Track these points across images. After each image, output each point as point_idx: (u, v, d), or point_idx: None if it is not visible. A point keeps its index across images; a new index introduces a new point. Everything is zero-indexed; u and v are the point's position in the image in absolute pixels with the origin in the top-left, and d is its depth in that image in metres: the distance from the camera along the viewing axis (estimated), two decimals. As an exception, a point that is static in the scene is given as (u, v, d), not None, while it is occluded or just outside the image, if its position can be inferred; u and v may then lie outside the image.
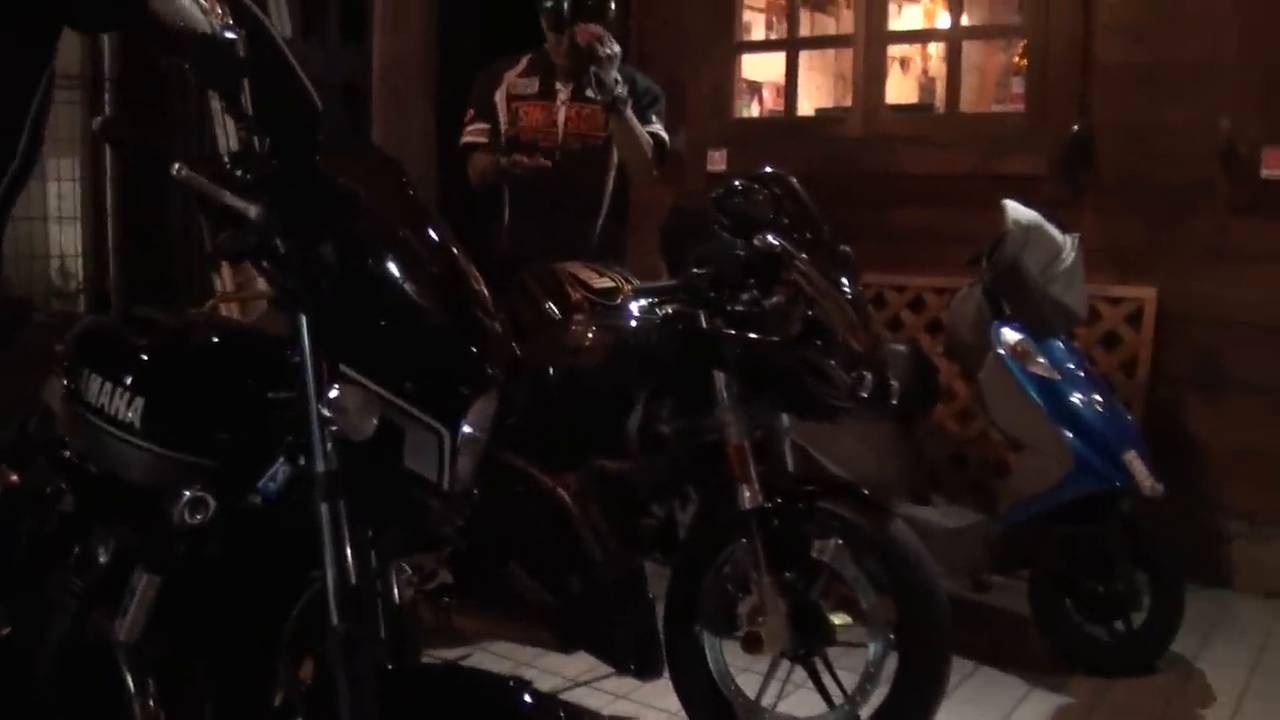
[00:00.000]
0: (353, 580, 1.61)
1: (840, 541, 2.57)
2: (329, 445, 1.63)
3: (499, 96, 3.76)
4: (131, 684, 1.79)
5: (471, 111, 3.79)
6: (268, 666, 1.79)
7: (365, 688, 1.56)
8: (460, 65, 4.17)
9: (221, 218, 1.69)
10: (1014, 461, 3.76)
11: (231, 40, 1.68)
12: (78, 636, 1.88)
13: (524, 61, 3.81)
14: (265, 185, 1.68)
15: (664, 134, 3.79)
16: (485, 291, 1.82)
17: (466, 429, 1.71)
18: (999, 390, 3.47)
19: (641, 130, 3.66)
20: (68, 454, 2.02)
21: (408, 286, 1.72)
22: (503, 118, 3.73)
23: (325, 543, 1.61)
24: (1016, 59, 5.29)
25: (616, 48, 3.56)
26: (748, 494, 2.59)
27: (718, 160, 4.96)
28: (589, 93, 3.69)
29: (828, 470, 3.61)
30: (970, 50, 6.70)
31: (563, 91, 3.73)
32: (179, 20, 1.65)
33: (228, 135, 4.39)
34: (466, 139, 3.79)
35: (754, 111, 5.92)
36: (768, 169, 2.89)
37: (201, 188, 1.61)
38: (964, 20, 4.91)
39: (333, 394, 1.59)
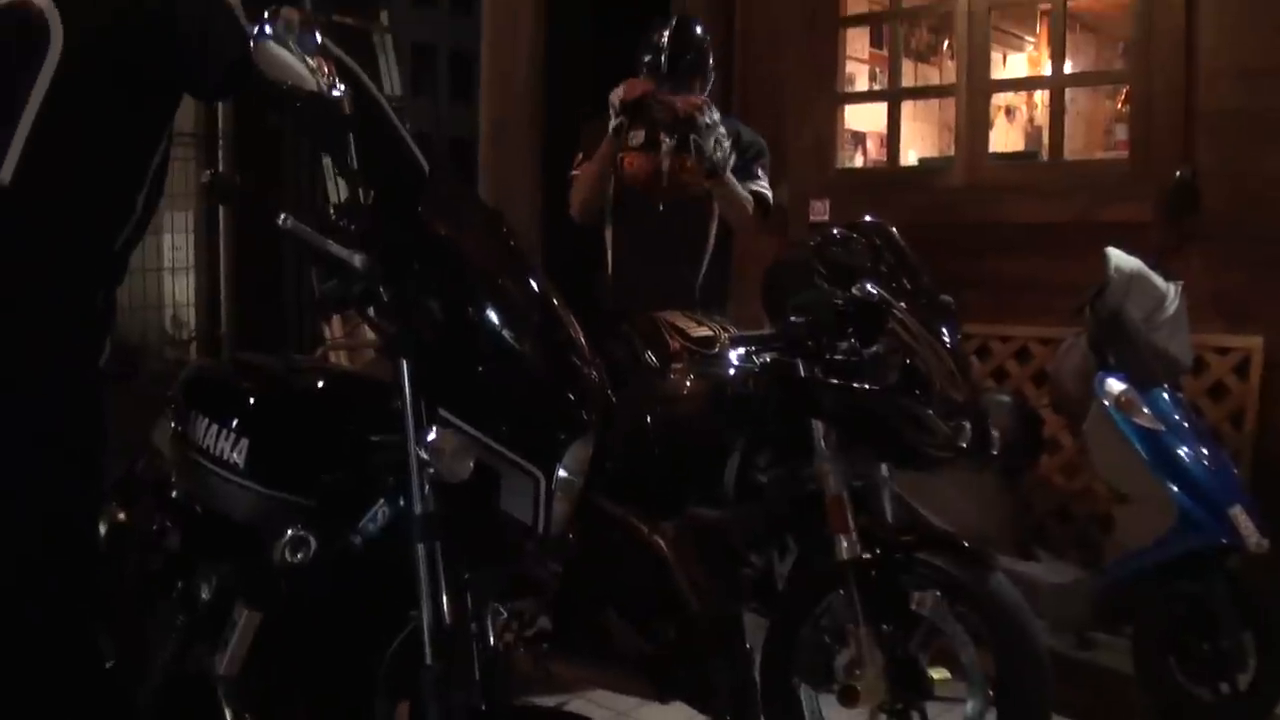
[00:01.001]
0: (447, 621, 1.64)
1: (939, 594, 2.53)
2: (427, 488, 1.66)
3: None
4: (230, 717, 1.84)
5: (580, 156, 3.83)
6: (363, 705, 1.83)
7: (459, 726, 1.58)
8: (568, 123, 4.22)
9: (327, 267, 1.75)
10: (1118, 515, 3.67)
11: (337, 99, 1.74)
12: (179, 670, 1.94)
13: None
14: (369, 235, 1.74)
15: (767, 189, 3.80)
16: (582, 339, 1.85)
17: (562, 473, 1.74)
18: (1103, 441, 3.39)
19: (742, 192, 3.68)
20: (174, 494, 2.09)
21: (505, 333, 1.76)
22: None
23: (421, 583, 1.64)
24: (1120, 105, 5.22)
25: (716, 115, 3.60)
26: (845, 544, 2.57)
27: (820, 210, 4.95)
28: (693, 145, 3.73)
29: (929, 522, 3.57)
30: (1076, 96, 6.68)
31: (667, 141, 3.76)
32: (286, 78, 1.71)
33: (339, 190, 4.53)
34: (575, 172, 3.81)
35: (858, 162, 5.92)
36: (867, 218, 2.89)
37: (307, 237, 1.67)
38: (1067, 68, 4.86)
39: (430, 437, 1.63)
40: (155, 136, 1.96)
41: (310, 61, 1.77)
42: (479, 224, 1.96)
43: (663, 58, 3.68)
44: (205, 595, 1.88)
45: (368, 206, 1.80)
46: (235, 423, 1.89)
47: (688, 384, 2.86)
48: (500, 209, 2.01)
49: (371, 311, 1.75)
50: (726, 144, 3.58)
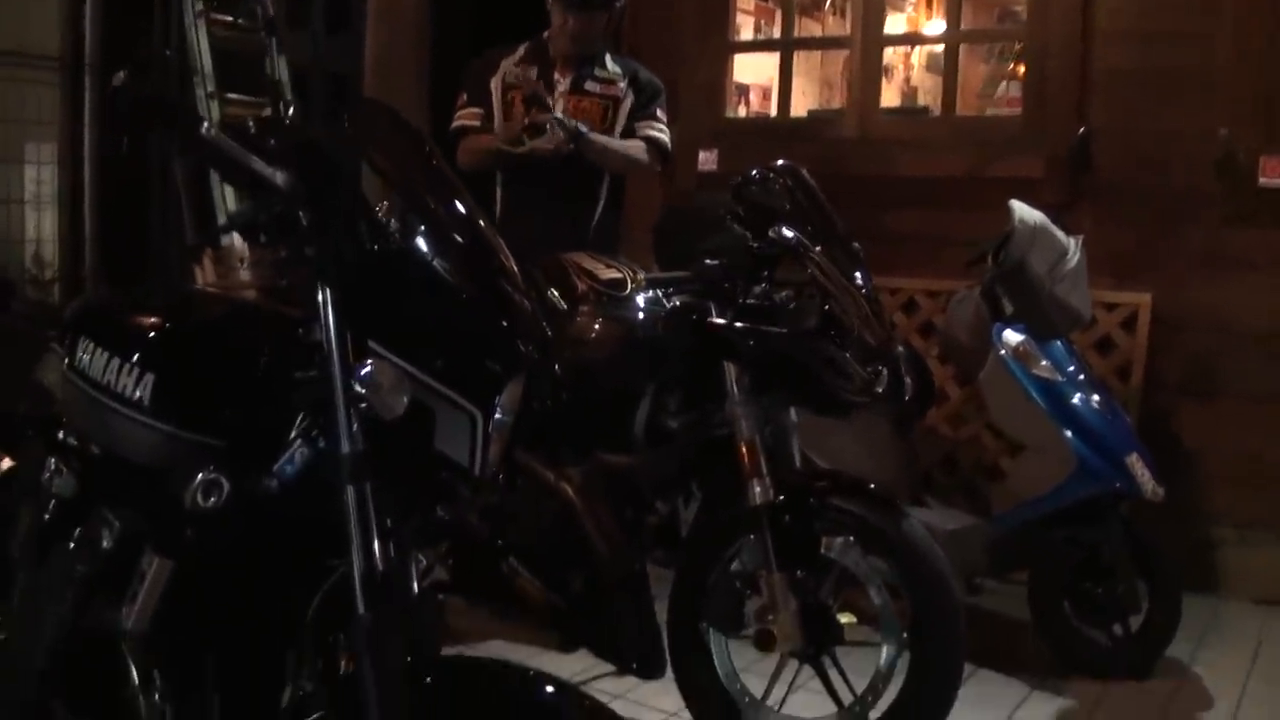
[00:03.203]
0: (379, 567, 1.54)
1: (852, 539, 2.52)
2: (355, 425, 1.56)
3: (494, 83, 3.68)
4: (137, 676, 1.71)
5: (465, 96, 3.72)
6: (277, 659, 1.72)
7: (393, 679, 1.49)
8: (453, 57, 4.09)
9: (245, 186, 1.62)
10: (1012, 463, 3.73)
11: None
12: (77, 625, 1.80)
13: (521, 50, 3.74)
14: (295, 153, 1.62)
15: (663, 131, 3.73)
16: (515, 267, 1.75)
17: (497, 413, 1.66)
18: (1000, 392, 3.44)
19: (620, 146, 3.63)
20: (65, 436, 1.93)
21: (436, 261, 1.65)
22: (497, 105, 3.66)
23: (351, 528, 1.54)
24: (1013, 65, 5.28)
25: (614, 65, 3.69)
26: (759, 489, 2.54)
27: (708, 160, 4.91)
28: (588, 85, 3.64)
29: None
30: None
31: (561, 83, 3.67)
32: None
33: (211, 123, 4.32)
34: (458, 123, 3.71)
35: (741, 113, 5.88)
36: (780, 161, 2.84)
37: (230, 150, 1.54)
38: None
39: (365, 370, 1.52)
40: None
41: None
42: (402, 143, 1.84)
43: None
44: (106, 543, 1.73)
45: (293, 123, 1.68)
46: (138, 356, 1.75)
47: (596, 326, 2.78)
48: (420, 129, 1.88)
49: (288, 236, 1.63)
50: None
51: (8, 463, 2.02)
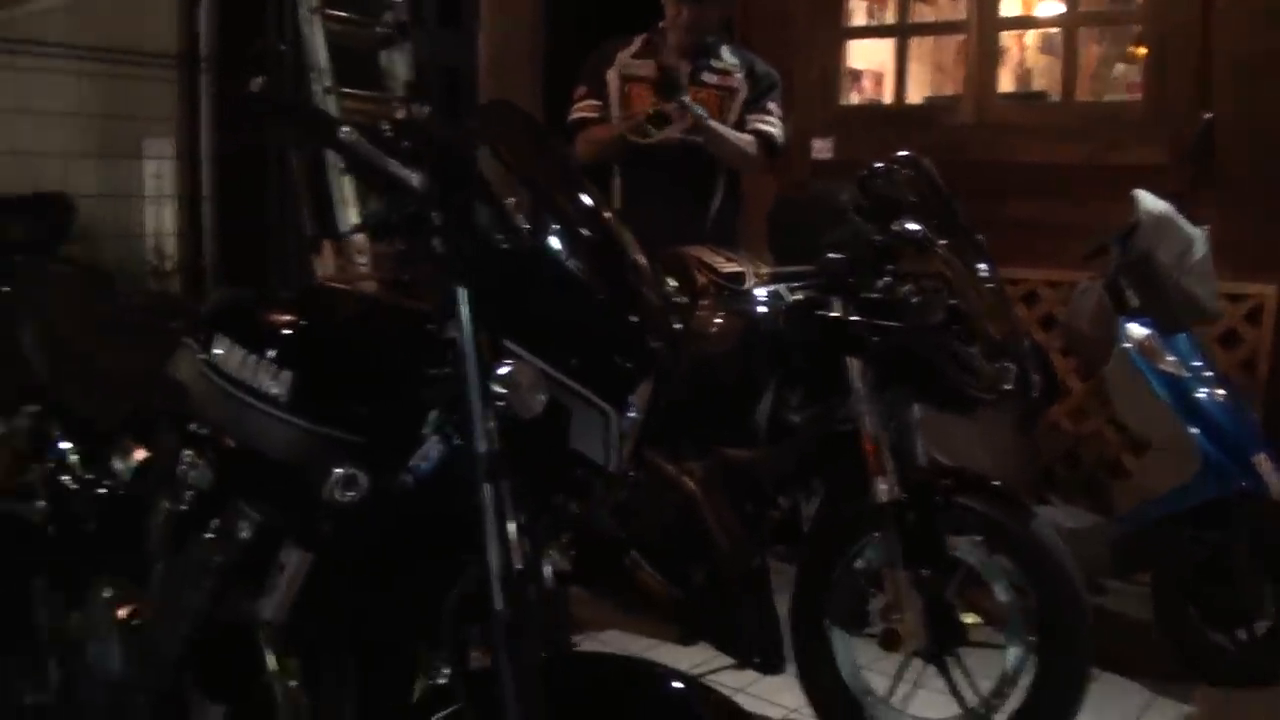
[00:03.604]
0: (516, 564, 1.55)
1: (979, 538, 2.48)
2: (492, 424, 1.57)
3: (611, 75, 3.68)
4: (275, 665, 1.75)
5: (583, 88, 3.72)
6: (411, 651, 1.74)
7: (530, 674, 1.50)
8: (567, 51, 4.10)
9: (380, 187, 1.64)
10: (1137, 461, 3.63)
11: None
12: (213, 615, 1.84)
13: (638, 42, 3.74)
14: (428, 154, 1.63)
15: (775, 126, 3.70)
16: (645, 262, 1.75)
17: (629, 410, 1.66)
18: (1125, 387, 3.35)
19: (735, 137, 3.60)
20: (200, 429, 1.97)
21: (569, 258, 1.65)
22: (614, 96, 3.66)
23: (487, 525, 1.55)
24: (1132, 48, 5.13)
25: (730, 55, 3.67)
26: (884, 486, 2.51)
27: (823, 149, 4.87)
28: (704, 76, 3.63)
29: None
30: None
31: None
32: None
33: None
34: (576, 115, 3.72)
35: (855, 100, 5.80)
36: (902, 152, 2.80)
37: (367, 153, 1.56)
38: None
39: (503, 370, 1.53)
40: None
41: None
42: (529, 140, 1.85)
43: None
44: (244, 535, 1.76)
45: (426, 124, 1.69)
46: (276, 353, 1.78)
47: (717, 320, 2.77)
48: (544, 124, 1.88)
49: (422, 236, 1.65)
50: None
51: (142, 454, 2.07)
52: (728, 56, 3.72)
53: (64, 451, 2.26)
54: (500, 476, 1.56)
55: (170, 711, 1.82)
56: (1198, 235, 3.33)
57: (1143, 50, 4.59)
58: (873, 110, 5.45)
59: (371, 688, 1.79)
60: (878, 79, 5.96)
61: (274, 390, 1.76)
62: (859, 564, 2.60)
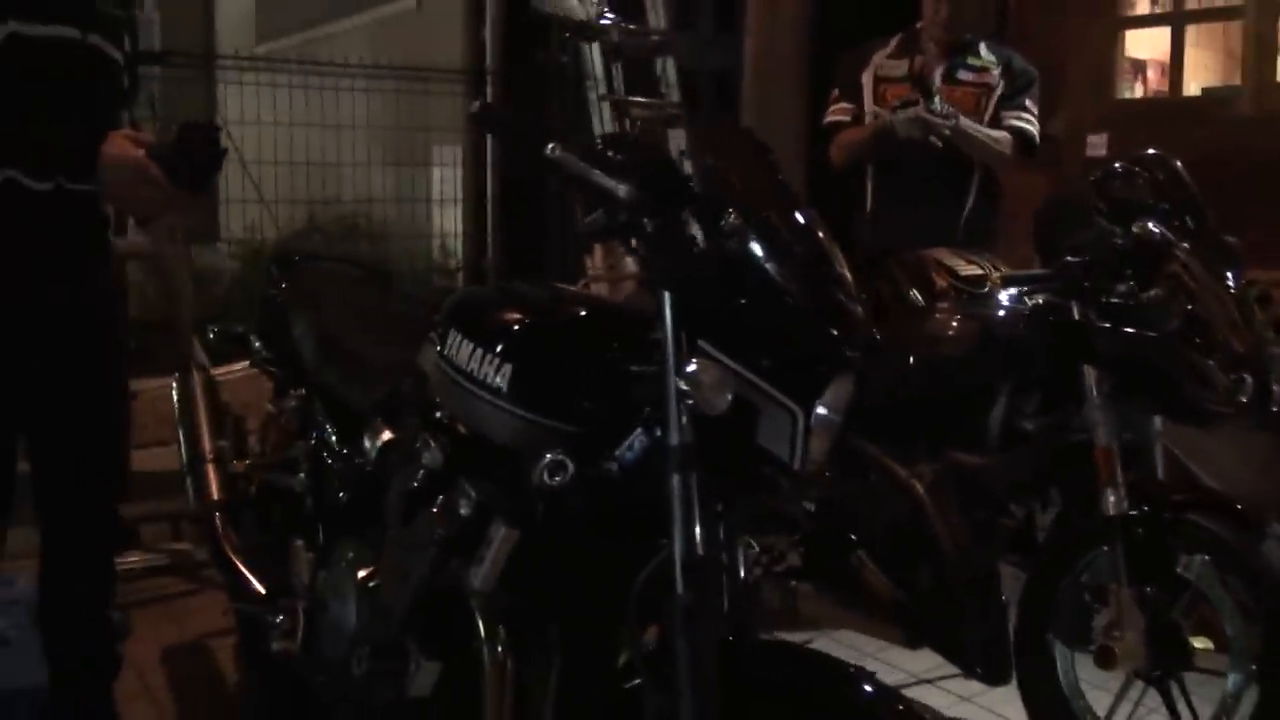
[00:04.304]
0: (698, 552, 1.64)
1: (1208, 558, 2.38)
2: (684, 419, 1.66)
3: (865, 78, 3.70)
4: (484, 630, 1.90)
5: (836, 92, 3.75)
6: (614, 628, 1.85)
7: (705, 656, 1.58)
8: (834, 54, 4.12)
9: (593, 198, 1.75)
10: None
11: (605, 27, 1.74)
12: (435, 583, 2.01)
13: (893, 43, 3.73)
14: (635, 166, 1.74)
15: (1031, 123, 3.62)
16: (848, 274, 1.80)
17: (821, 410, 1.71)
18: None
19: (988, 135, 3.54)
20: (438, 415, 2.15)
21: (769, 266, 1.72)
22: (868, 99, 3.67)
23: (674, 513, 1.64)
24: None
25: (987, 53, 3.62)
26: (1112, 499, 2.44)
27: (1097, 145, 4.70)
28: (960, 74, 3.60)
29: (1200, 480, 3.37)
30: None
31: (935, 72, 3.63)
32: (557, 10, 1.73)
33: (603, 124, 4.59)
34: (830, 118, 3.75)
35: (1137, 92, 5.56)
36: (1150, 151, 2.71)
37: (573, 167, 1.68)
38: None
39: (690, 368, 1.62)
40: None
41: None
42: (745, 154, 1.93)
43: None
44: (464, 511, 1.92)
45: (635, 138, 1.80)
46: (499, 348, 1.93)
47: (954, 324, 2.76)
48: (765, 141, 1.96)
49: (634, 243, 1.76)
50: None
51: (389, 434, 2.27)
52: (985, 53, 3.67)
53: (324, 431, 2.50)
54: (689, 468, 1.65)
55: (394, 665, 2.00)
56: None
57: None
58: (1150, 104, 5.21)
59: (573, 656, 1.91)
60: (1164, 69, 5.68)
61: (496, 381, 1.92)
62: (1085, 578, 2.54)
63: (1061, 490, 2.76)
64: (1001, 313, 2.70)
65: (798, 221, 1.81)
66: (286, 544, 2.50)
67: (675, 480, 1.66)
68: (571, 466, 1.81)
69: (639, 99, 4.78)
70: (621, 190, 1.71)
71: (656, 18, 5.37)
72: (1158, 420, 2.64)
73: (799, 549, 2.88)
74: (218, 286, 5.79)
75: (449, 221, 5.37)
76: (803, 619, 3.03)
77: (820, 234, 1.81)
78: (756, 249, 1.73)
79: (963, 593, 2.65)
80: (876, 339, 1.80)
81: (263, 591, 2.61)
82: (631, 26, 5.03)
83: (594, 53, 4.91)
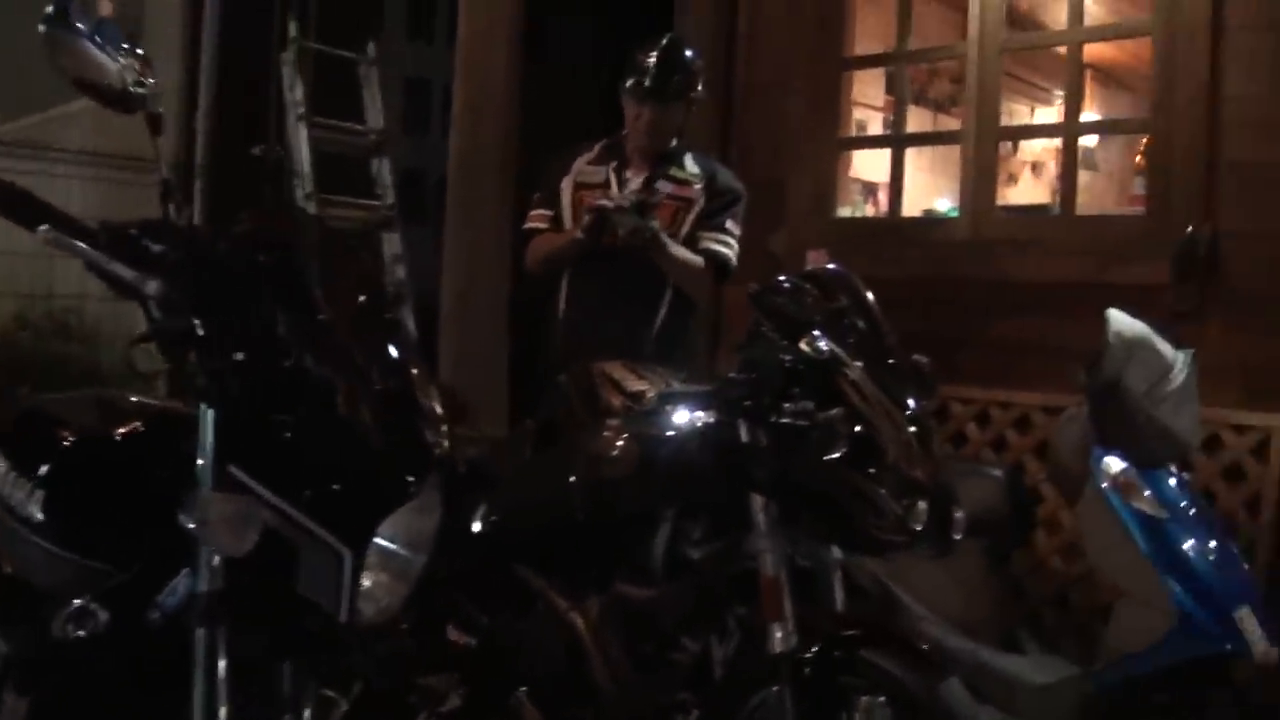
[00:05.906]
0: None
1: (883, 700, 2.21)
2: (216, 560, 1.40)
3: (565, 184, 3.55)
4: None
5: (537, 196, 3.61)
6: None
7: None
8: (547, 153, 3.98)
9: (120, 293, 1.49)
10: (1114, 611, 3.32)
11: (140, 95, 1.51)
12: None
13: (597, 148, 3.61)
14: (172, 260, 1.49)
15: (729, 245, 3.50)
16: (433, 407, 1.59)
17: (391, 546, 1.47)
18: (1097, 527, 3.08)
19: (686, 257, 3.42)
20: None
21: (329, 389, 1.49)
22: (566, 206, 3.52)
23: (196, 674, 1.37)
24: (1138, 158, 4.90)
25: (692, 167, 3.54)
26: (779, 635, 2.24)
27: (818, 261, 4.64)
28: (659, 184, 3.48)
29: (907, 607, 3.26)
30: (1106, 150, 6.32)
31: (633, 180, 3.50)
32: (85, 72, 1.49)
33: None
34: (529, 224, 3.61)
35: (868, 212, 5.62)
36: (829, 266, 2.60)
37: (80, 253, 1.42)
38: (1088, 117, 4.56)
39: (202, 498, 1.36)
40: None
41: (114, 55, 1.53)
42: (340, 271, 1.71)
43: (648, 79, 3.43)
44: None
45: (181, 227, 1.55)
46: (34, 472, 1.64)
47: (618, 444, 2.55)
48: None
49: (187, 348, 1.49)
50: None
51: None
52: (690, 165, 3.56)
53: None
54: (216, 620, 1.38)
55: None
56: (1178, 359, 3.07)
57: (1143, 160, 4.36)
58: (869, 223, 5.25)
59: None
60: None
61: (31, 512, 1.62)
62: (756, 718, 2.34)
63: (739, 622, 2.56)
64: (671, 432, 2.50)
65: (379, 343, 1.59)
66: None
67: (199, 634, 1.38)
68: (103, 616, 1.52)
69: (342, 198, 4.57)
70: (149, 286, 1.45)
71: (375, 117, 5.18)
72: (835, 547, 2.47)
73: (460, 689, 2.62)
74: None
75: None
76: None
77: (403, 356, 1.59)
78: (316, 368, 1.49)
79: (627, 733, 2.43)
80: (457, 474, 1.59)
81: None
82: (345, 126, 4.83)
83: (302, 150, 4.68)
